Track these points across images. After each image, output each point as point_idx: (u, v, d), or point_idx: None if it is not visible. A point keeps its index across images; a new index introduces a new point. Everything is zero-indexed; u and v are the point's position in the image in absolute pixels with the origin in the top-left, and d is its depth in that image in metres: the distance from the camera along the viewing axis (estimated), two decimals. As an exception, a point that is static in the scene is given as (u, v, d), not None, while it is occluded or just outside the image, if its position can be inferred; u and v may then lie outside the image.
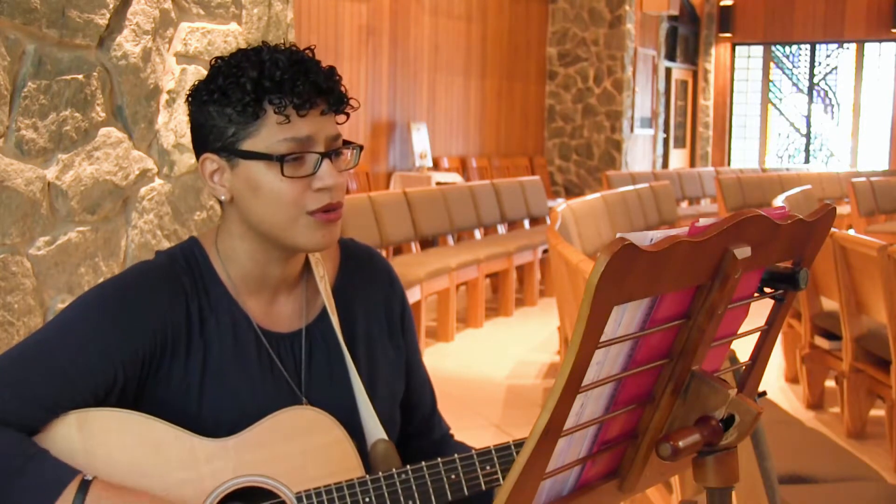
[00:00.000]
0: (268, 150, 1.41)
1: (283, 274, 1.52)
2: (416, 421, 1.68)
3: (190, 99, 1.48)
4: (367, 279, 1.63)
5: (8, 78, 2.12)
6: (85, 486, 1.33)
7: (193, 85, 1.49)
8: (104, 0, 2.37)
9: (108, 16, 2.39)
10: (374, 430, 1.54)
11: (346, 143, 1.49)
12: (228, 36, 2.94)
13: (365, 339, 1.59)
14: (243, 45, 3.00)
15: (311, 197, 1.43)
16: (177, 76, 2.72)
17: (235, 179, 1.45)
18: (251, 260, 1.50)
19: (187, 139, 2.76)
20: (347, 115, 1.50)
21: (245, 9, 3.01)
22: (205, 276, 1.50)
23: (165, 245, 2.69)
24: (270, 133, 1.41)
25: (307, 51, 1.46)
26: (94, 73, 2.37)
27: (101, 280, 2.44)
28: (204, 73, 2.80)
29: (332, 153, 1.44)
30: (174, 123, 2.71)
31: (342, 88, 1.47)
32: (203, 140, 1.47)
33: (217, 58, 1.47)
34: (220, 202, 1.50)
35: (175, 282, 1.47)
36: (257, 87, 1.40)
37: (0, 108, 2.10)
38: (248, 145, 1.42)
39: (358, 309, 1.60)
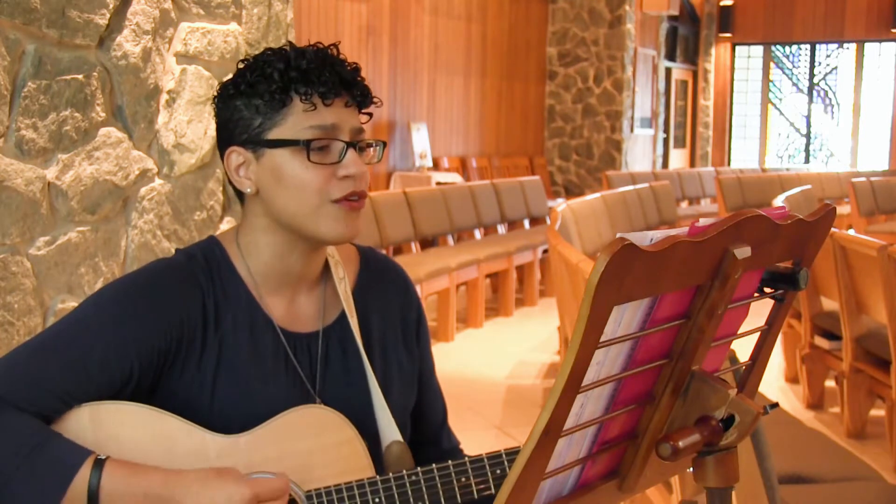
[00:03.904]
0: (294, 137, 1.44)
1: (304, 269, 1.53)
2: (425, 431, 1.68)
3: (216, 97, 1.52)
4: (384, 287, 1.64)
5: (8, 78, 2.12)
6: (99, 464, 1.35)
7: (220, 84, 1.52)
8: (104, 0, 2.37)
9: (108, 16, 2.39)
10: (390, 431, 1.54)
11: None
12: (228, 36, 2.94)
13: (380, 345, 1.60)
14: (243, 45, 3.01)
15: (335, 185, 1.45)
16: (177, 76, 2.72)
17: (261, 170, 1.47)
18: (274, 254, 1.51)
19: (187, 139, 2.76)
20: (370, 115, 1.53)
21: (245, 9, 3.01)
22: (223, 274, 1.51)
23: (165, 245, 2.69)
24: (297, 121, 1.45)
25: (332, 47, 1.50)
26: (94, 73, 2.37)
27: (102, 280, 2.44)
28: (204, 72, 2.81)
29: (356, 143, 1.48)
30: (174, 123, 2.71)
31: (366, 86, 1.51)
32: (229, 134, 1.50)
33: (243, 59, 1.51)
34: (241, 198, 1.53)
35: (192, 279, 1.49)
36: (284, 77, 1.44)
37: (0, 108, 2.10)
38: (274, 134, 1.45)
39: (374, 315, 1.61)
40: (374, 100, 1.53)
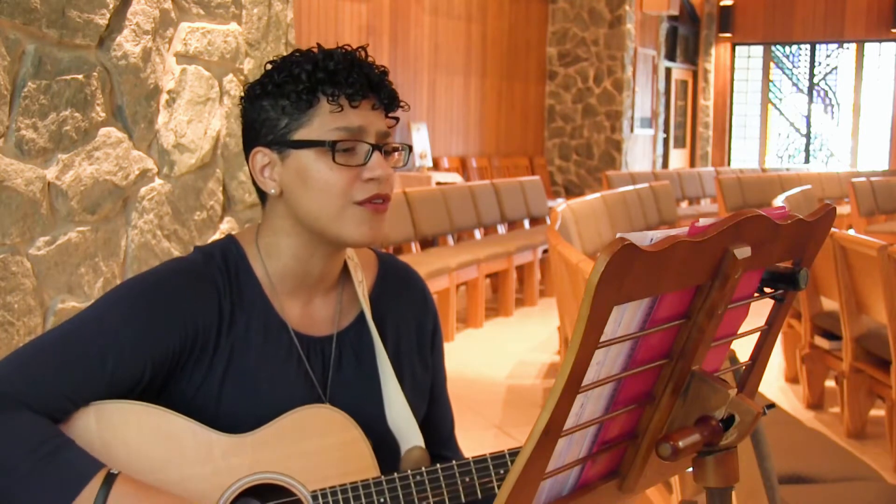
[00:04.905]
0: (320, 138, 1.44)
1: (323, 272, 1.53)
2: (432, 443, 1.67)
3: (243, 98, 1.51)
4: (402, 295, 1.64)
5: (8, 78, 2.12)
6: (110, 479, 1.34)
7: (247, 85, 1.52)
8: (104, 0, 2.37)
9: (108, 16, 2.39)
10: (411, 436, 1.54)
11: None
12: (228, 36, 2.94)
13: (394, 351, 1.60)
14: (243, 45, 3.01)
15: (359, 187, 1.45)
16: (177, 76, 2.72)
17: (286, 172, 1.47)
18: (293, 257, 1.51)
19: (187, 139, 2.76)
20: (397, 119, 1.53)
21: (245, 9, 3.02)
22: (240, 275, 1.51)
23: (165, 245, 2.69)
24: (323, 122, 1.44)
25: (360, 50, 1.50)
26: (94, 73, 2.37)
27: (102, 280, 2.44)
28: (204, 72, 2.81)
29: (382, 146, 1.47)
30: (174, 123, 2.71)
31: (393, 89, 1.51)
32: (254, 135, 1.49)
33: (270, 60, 1.51)
34: (264, 200, 1.52)
35: (209, 280, 1.48)
36: (311, 78, 1.44)
37: (0, 108, 2.10)
38: (300, 135, 1.45)
39: (389, 322, 1.61)
40: (402, 104, 1.52)
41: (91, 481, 1.33)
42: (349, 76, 1.44)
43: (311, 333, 1.54)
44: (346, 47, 1.49)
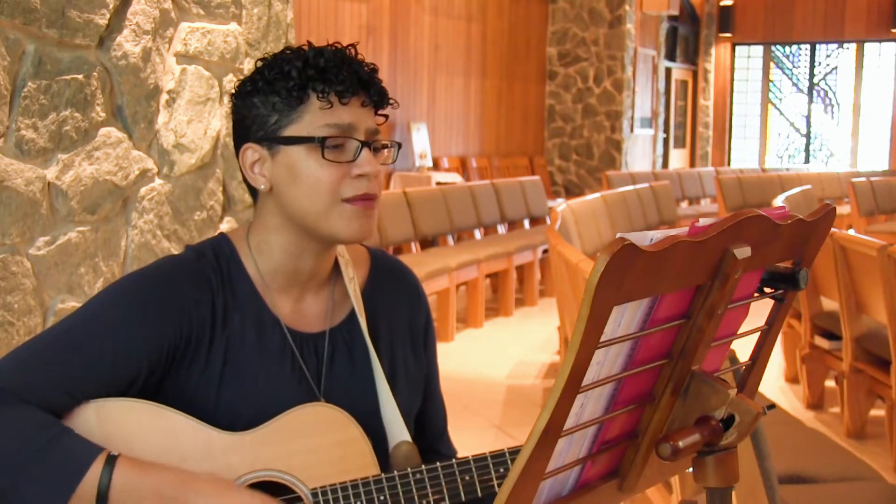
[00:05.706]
0: (310, 135, 1.45)
1: (314, 269, 1.54)
2: (425, 439, 1.68)
3: (234, 94, 1.53)
4: (395, 291, 1.65)
5: (8, 78, 2.12)
6: (111, 460, 1.35)
7: (238, 81, 1.54)
8: (104, 0, 2.37)
9: (108, 16, 2.39)
10: (399, 431, 1.55)
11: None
12: (228, 36, 2.94)
13: (387, 347, 1.61)
14: (243, 45, 3.01)
15: (348, 184, 1.46)
16: (177, 76, 2.72)
17: (275, 168, 1.48)
18: (284, 253, 1.52)
19: (187, 139, 2.76)
20: (386, 116, 1.54)
21: (245, 9, 3.02)
22: (232, 273, 1.52)
23: (165, 245, 2.69)
24: (313, 118, 1.46)
25: (350, 47, 1.51)
26: (94, 73, 2.37)
27: (102, 280, 2.44)
28: (204, 72, 2.81)
29: (371, 143, 1.48)
30: (174, 123, 2.71)
31: (383, 87, 1.52)
32: (245, 131, 1.51)
33: (261, 58, 1.52)
34: (255, 196, 1.54)
35: (202, 277, 1.49)
36: (302, 75, 1.45)
37: (0, 108, 2.10)
38: (290, 131, 1.46)
39: (382, 318, 1.61)
40: (391, 101, 1.54)
41: (93, 464, 1.34)
42: (339, 73, 1.45)
43: (304, 330, 1.55)
44: (336, 45, 1.50)
